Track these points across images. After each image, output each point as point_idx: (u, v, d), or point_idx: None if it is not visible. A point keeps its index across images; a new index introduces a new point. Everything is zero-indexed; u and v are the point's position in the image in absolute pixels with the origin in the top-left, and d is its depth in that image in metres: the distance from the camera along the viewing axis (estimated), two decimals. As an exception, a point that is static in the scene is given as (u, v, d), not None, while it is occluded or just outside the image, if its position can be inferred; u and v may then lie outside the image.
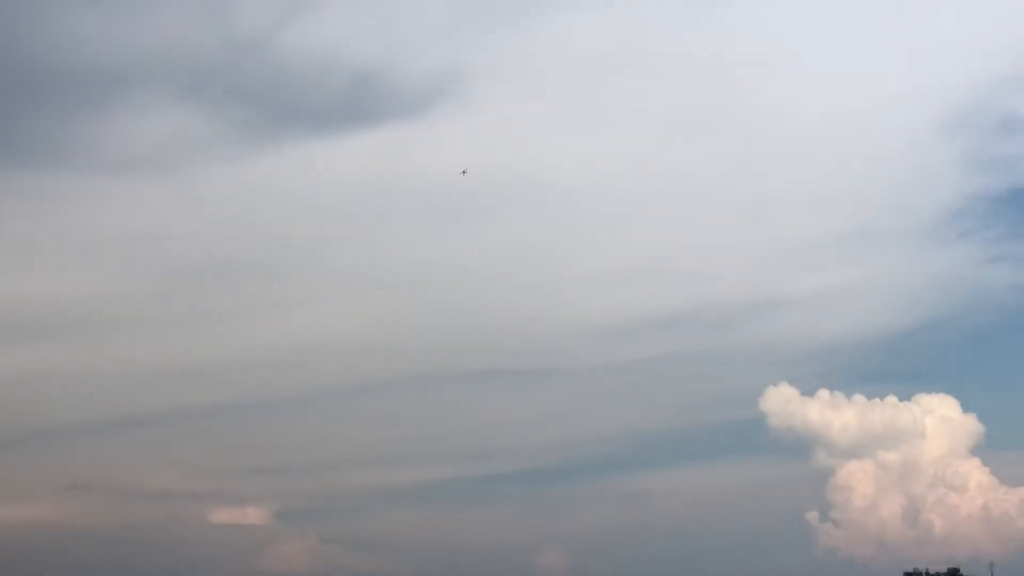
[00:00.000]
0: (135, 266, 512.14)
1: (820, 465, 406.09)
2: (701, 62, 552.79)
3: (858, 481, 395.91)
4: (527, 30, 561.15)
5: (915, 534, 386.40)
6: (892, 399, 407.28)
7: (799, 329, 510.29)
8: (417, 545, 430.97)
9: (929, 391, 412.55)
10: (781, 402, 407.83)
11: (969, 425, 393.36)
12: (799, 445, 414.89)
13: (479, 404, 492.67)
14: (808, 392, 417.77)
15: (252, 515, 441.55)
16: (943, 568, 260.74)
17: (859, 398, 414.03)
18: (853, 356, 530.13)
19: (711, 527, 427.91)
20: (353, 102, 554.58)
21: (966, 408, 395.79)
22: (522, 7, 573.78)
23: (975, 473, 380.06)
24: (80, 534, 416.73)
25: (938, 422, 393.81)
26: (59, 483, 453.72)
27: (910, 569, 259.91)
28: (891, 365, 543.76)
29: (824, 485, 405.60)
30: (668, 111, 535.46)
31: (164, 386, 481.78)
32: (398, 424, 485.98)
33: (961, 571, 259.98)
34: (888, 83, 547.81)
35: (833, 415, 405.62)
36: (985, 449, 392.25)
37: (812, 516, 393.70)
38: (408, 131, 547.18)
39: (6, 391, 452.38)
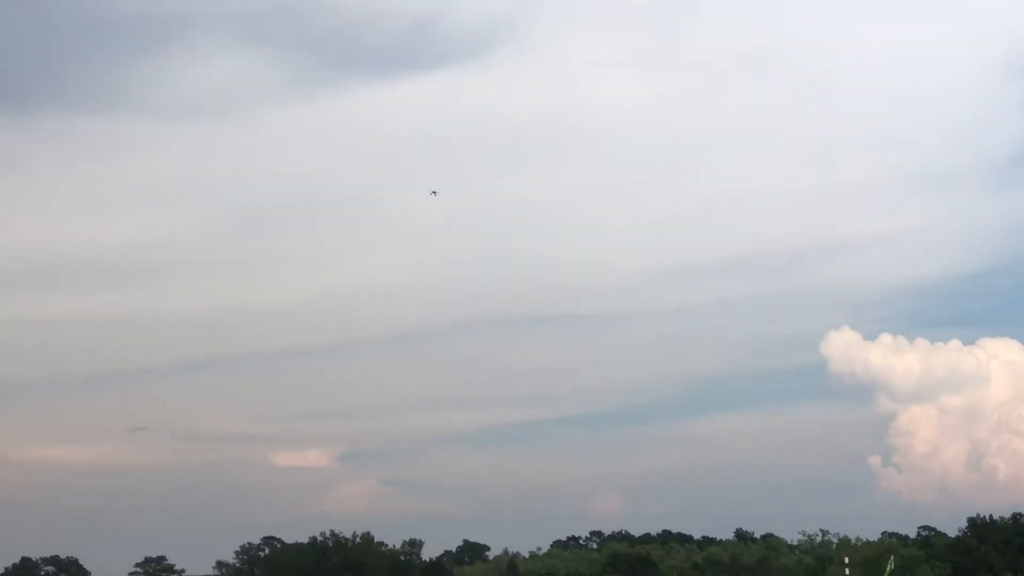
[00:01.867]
0: (196, 211, 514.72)
1: (882, 410, 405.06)
2: (763, 3, 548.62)
3: (921, 426, 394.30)
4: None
5: (978, 479, 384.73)
6: (956, 343, 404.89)
7: (861, 273, 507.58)
8: (475, 488, 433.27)
9: (994, 335, 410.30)
10: (843, 346, 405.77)
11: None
12: (861, 390, 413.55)
13: (536, 349, 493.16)
14: (870, 336, 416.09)
15: (314, 458, 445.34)
16: (1007, 513, 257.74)
17: (922, 342, 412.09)
18: (916, 300, 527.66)
19: (770, 472, 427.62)
20: (410, 46, 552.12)
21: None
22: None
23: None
24: (144, 476, 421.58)
25: (1003, 366, 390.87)
26: (123, 426, 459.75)
27: (973, 514, 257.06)
28: (955, 309, 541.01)
29: (886, 430, 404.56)
30: (729, 52, 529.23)
31: (225, 330, 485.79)
32: (456, 368, 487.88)
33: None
34: (954, 22, 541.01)
35: (896, 359, 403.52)
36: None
37: (874, 461, 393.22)
38: (465, 75, 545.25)
39: (72, 334, 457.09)
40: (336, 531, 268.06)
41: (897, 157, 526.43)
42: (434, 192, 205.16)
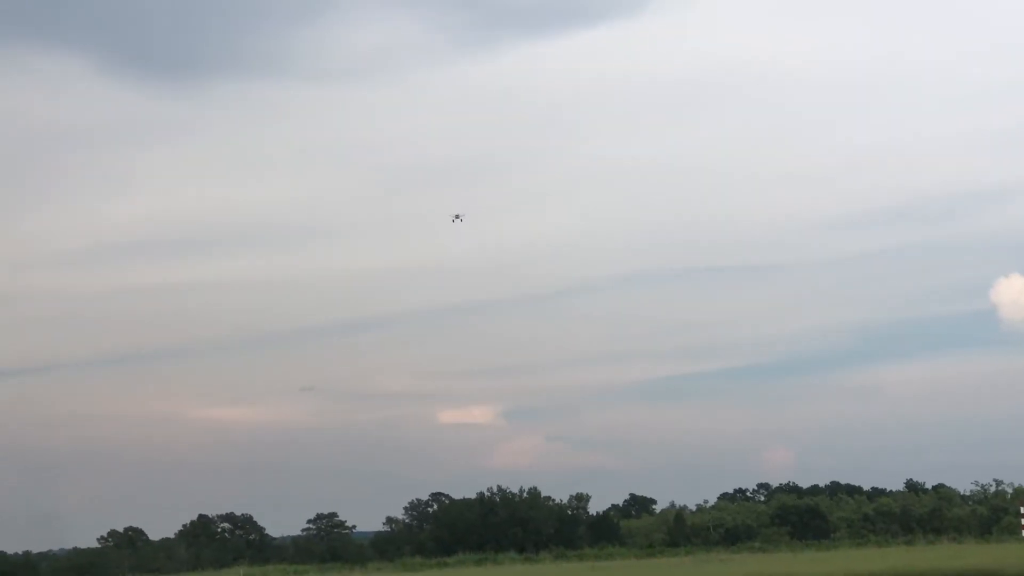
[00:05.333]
0: (359, 171, 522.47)
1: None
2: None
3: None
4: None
5: None
6: None
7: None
8: (641, 442, 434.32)
9: None
10: (1013, 293, 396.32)
11: None
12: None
13: (701, 300, 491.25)
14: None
15: (479, 414, 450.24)
16: None
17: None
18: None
19: (941, 421, 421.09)
20: (565, 3, 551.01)
21: None
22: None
23: None
24: (314, 434, 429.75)
25: None
26: (292, 385, 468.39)
27: None
28: None
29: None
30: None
31: (392, 289, 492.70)
32: (621, 322, 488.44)
33: None
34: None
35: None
36: None
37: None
38: (624, 29, 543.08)
39: (242, 297, 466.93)
40: (503, 486, 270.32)
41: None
42: (458, 217, 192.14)
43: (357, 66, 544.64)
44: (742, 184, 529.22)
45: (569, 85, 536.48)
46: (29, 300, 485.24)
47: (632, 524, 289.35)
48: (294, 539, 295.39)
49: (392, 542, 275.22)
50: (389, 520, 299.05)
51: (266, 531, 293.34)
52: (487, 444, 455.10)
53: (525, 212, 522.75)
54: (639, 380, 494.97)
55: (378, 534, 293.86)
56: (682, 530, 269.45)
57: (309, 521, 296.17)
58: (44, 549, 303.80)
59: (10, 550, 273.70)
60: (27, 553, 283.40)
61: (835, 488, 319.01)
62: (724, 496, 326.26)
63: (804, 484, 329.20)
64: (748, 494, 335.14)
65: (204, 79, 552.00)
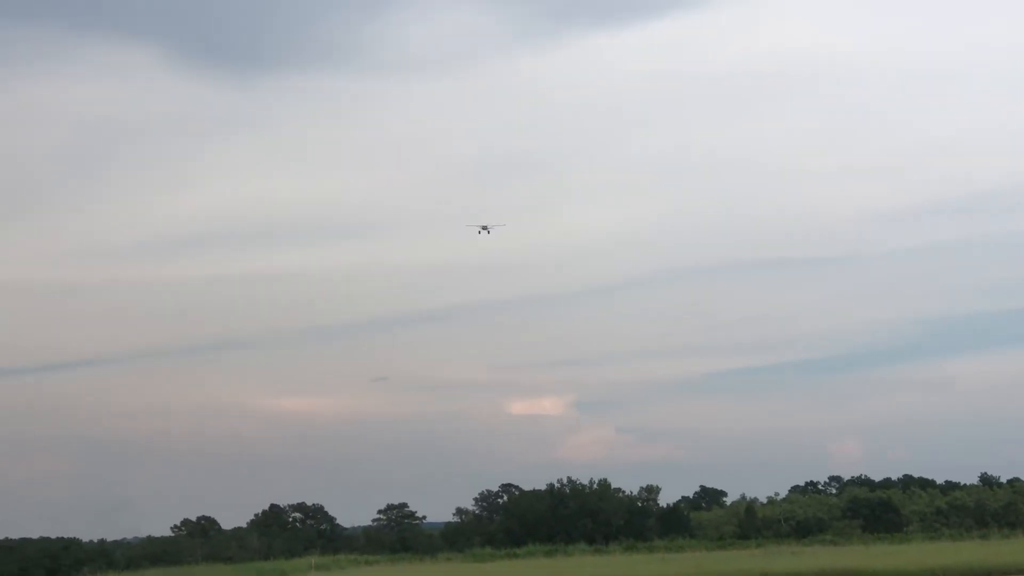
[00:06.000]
0: (425, 163, 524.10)
1: None
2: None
3: None
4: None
5: None
6: None
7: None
8: (711, 434, 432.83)
9: None
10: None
11: None
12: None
13: (770, 293, 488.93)
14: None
15: (549, 406, 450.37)
16: None
17: None
18: None
19: (1016, 414, 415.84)
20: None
21: None
22: None
23: None
24: (385, 425, 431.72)
25: None
26: (365, 376, 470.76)
27: None
28: None
29: None
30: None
31: (463, 281, 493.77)
32: (690, 315, 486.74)
33: None
34: None
35: None
36: None
37: None
38: (691, 21, 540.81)
39: (313, 288, 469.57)
40: (573, 478, 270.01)
41: None
42: (485, 228, 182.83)
43: (419, 59, 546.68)
44: (809, 177, 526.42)
45: (630, 78, 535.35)
46: (105, 291, 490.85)
47: (702, 516, 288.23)
48: (364, 529, 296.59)
49: (462, 533, 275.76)
50: (459, 511, 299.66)
51: (337, 521, 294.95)
52: (557, 435, 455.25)
53: (593, 204, 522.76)
54: (710, 372, 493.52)
55: (448, 525, 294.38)
56: (753, 522, 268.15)
57: (379, 511, 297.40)
58: (119, 537, 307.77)
59: (86, 538, 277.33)
60: (102, 541, 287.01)
61: (908, 481, 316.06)
62: (795, 489, 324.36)
63: (876, 477, 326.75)
64: (819, 487, 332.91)
65: (267, 72, 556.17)
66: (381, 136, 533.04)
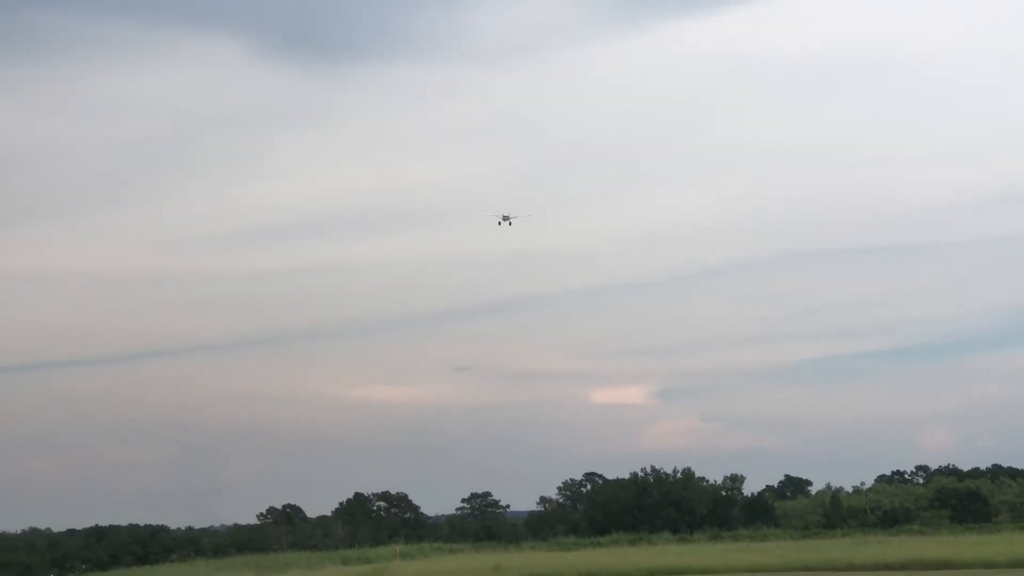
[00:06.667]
0: (506, 153, 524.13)
1: None
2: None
3: None
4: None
5: None
6: None
7: None
8: (796, 422, 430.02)
9: None
10: None
11: None
12: None
13: (857, 280, 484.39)
14: None
15: (633, 394, 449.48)
16: None
17: None
18: None
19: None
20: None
21: None
22: None
23: None
24: (468, 414, 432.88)
25: None
26: (447, 365, 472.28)
27: None
28: None
29: None
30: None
31: (545, 269, 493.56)
32: (773, 302, 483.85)
33: None
34: None
35: None
36: None
37: None
38: (770, 6, 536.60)
39: (396, 277, 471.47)
40: (656, 466, 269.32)
41: None
42: (507, 219, 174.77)
43: (501, 47, 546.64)
44: (895, 163, 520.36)
45: (710, 64, 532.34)
46: (188, 281, 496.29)
47: (787, 505, 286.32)
48: (448, 518, 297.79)
49: (545, 521, 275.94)
50: (542, 500, 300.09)
51: (421, 510, 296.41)
52: (640, 424, 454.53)
53: (674, 191, 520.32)
54: (794, 360, 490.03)
55: (531, 514, 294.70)
56: (838, 512, 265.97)
57: (463, 500, 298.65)
58: (206, 525, 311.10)
59: (174, 525, 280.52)
60: (190, 528, 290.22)
61: (997, 471, 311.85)
62: (881, 478, 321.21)
63: (964, 467, 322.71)
64: (906, 476, 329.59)
65: (346, 63, 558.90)
66: (460, 126, 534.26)
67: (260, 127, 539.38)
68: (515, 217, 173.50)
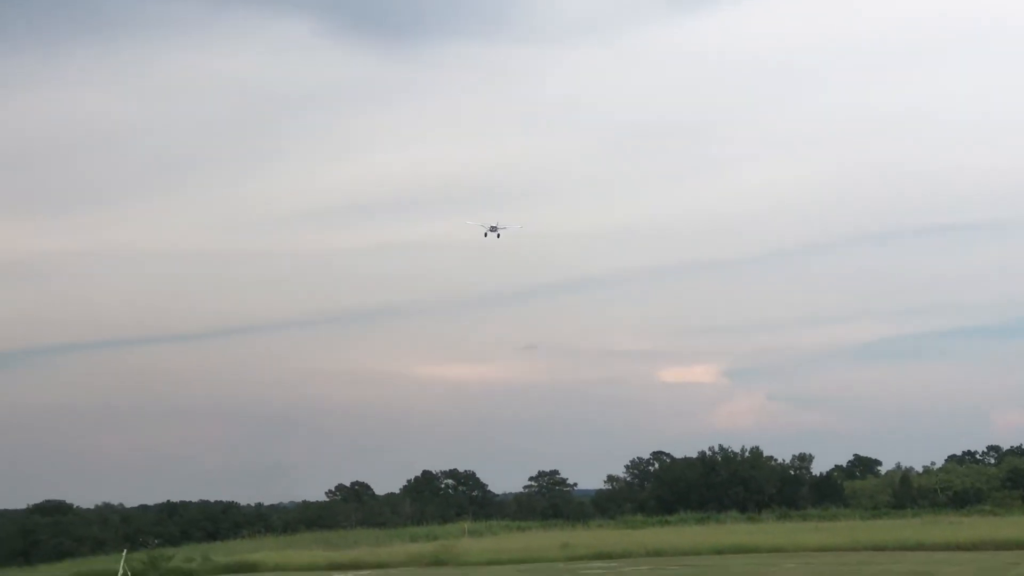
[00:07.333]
0: (579, 132, 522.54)
1: None
2: None
3: None
4: None
5: None
6: None
7: None
8: (865, 402, 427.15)
9: None
10: None
11: None
12: None
13: (925, 260, 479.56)
14: None
15: (701, 373, 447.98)
16: None
17: None
18: None
19: None
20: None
21: None
22: None
23: None
24: (536, 392, 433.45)
25: None
26: (516, 343, 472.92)
27: None
28: None
29: None
30: None
31: (614, 248, 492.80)
32: (842, 282, 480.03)
33: None
34: None
35: None
36: None
37: None
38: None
39: (464, 257, 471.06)
40: (724, 445, 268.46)
41: None
42: (494, 229, 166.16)
43: (575, 26, 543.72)
44: (977, 137, 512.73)
45: (803, 33, 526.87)
46: (257, 260, 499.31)
47: (856, 485, 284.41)
48: (516, 496, 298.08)
49: (613, 500, 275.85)
50: (610, 478, 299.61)
51: (488, 487, 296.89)
52: (708, 403, 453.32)
53: (750, 169, 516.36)
54: (864, 339, 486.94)
55: (599, 492, 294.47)
56: (908, 492, 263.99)
57: (531, 478, 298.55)
58: (275, 502, 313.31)
59: (243, 502, 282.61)
60: (259, 505, 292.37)
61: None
62: (952, 458, 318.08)
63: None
64: (977, 456, 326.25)
65: (424, 41, 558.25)
66: (538, 103, 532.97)
67: (336, 106, 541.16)
68: (503, 228, 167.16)
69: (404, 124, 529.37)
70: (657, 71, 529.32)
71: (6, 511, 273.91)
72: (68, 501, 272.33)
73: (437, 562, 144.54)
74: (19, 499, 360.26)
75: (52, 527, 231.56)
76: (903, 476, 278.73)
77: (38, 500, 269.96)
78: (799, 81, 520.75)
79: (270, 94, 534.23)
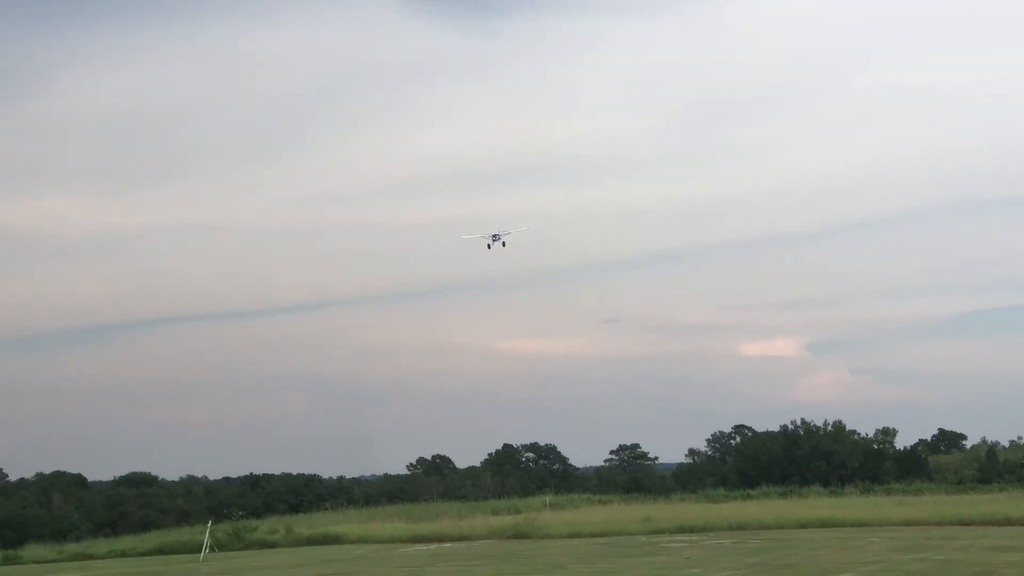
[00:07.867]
0: (660, 103, 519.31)
1: None
2: None
3: None
4: None
5: None
6: None
7: None
8: (950, 375, 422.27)
9: None
10: None
11: None
12: None
13: (1015, 231, 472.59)
14: None
15: (782, 346, 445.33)
16: None
17: None
18: None
19: None
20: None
21: None
22: None
23: None
24: (616, 366, 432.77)
25: None
26: (596, 317, 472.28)
27: None
28: None
29: None
30: None
31: (694, 221, 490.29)
32: (927, 254, 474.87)
33: None
34: None
35: None
36: None
37: None
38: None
39: (546, 230, 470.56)
40: (807, 419, 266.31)
41: None
42: (496, 238, 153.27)
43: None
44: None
45: (871, 9, 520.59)
46: (343, 234, 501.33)
47: (941, 459, 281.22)
48: (596, 469, 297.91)
49: (694, 473, 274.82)
50: (691, 452, 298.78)
51: (569, 461, 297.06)
52: (790, 376, 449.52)
53: (828, 142, 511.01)
54: (949, 313, 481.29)
55: (680, 466, 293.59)
56: (994, 466, 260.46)
57: (611, 452, 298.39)
58: (357, 475, 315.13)
59: (325, 475, 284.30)
60: (341, 478, 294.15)
61: None
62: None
63: None
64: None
65: (504, 14, 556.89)
66: (615, 77, 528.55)
67: (411, 79, 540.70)
68: (507, 234, 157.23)
69: (479, 97, 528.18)
70: (732, 43, 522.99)
71: (95, 483, 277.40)
72: (154, 473, 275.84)
73: (519, 535, 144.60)
74: (107, 471, 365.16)
75: (138, 499, 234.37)
76: (989, 450, 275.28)
77: (124, 472, 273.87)
78: (872, 52, 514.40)
79: (344, 68, 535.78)
